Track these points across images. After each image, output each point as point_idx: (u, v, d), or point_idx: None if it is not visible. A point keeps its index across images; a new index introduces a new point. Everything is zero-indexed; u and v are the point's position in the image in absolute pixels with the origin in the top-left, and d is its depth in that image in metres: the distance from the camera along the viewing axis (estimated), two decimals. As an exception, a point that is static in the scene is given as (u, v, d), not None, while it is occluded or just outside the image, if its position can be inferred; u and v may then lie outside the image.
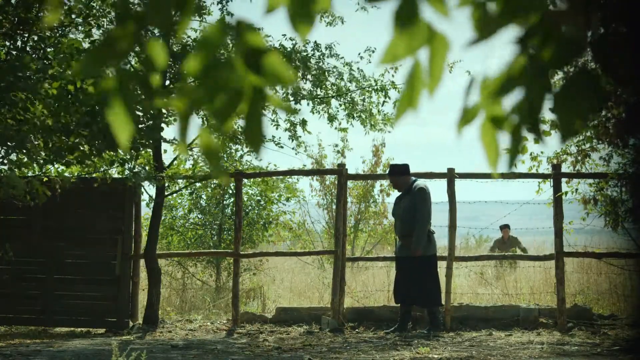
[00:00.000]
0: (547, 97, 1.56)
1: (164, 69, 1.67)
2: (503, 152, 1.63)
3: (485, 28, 1.55)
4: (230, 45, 1.60)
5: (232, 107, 1.61)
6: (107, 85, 1.63)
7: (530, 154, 10.37)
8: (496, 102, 1.58)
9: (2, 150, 7.64)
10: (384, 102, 11.75)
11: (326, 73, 11.42)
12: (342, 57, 11.62)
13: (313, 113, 12.02)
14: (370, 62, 12.11)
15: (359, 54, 11.97)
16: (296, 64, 11.17)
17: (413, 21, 1.55)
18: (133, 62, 7.45)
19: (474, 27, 1.56)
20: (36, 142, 7.40)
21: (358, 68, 11.78)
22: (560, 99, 1.56)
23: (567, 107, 1.55)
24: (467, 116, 1.60)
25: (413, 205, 10.20)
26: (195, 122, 1.69)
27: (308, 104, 11.80)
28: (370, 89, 11.70)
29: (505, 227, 17.10)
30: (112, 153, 8.43)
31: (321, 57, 11.46)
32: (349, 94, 11.63)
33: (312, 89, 11.58)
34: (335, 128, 12.31)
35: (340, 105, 11.72)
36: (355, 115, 11.70)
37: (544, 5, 1.55)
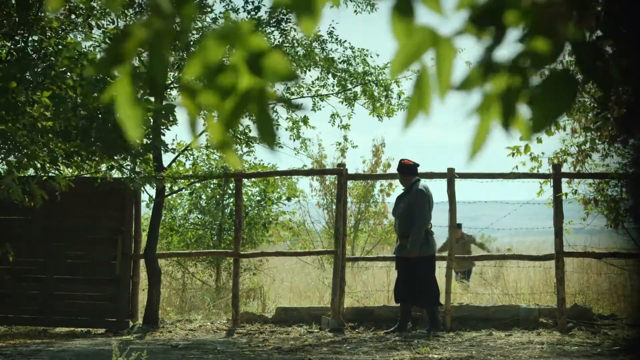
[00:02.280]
0: (524, 93, 1.58)
1: (169, 66, 1.68)
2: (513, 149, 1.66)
3: (474, 22, 1.57)
4: (232, 48, 1.60)
5: (241, 110, 1.63)
6: (118, 87, 1.63)
7: (530, 154, 10.36)
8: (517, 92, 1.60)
9: (1, 151, 7.63)
10: (386, 95, 11.72)
11: (333, 61, 11.36)
12: (345, 41, 11.55)
13: (315, 110, 11.99)
14: (369, 55, 11.96)
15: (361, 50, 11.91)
16: (299, 57, 11.13)
17: (409, 19, 1.56)
18: (137, 62, 7.44)
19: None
20: (33, 146, 7.40)
21: (360, 50, 11.69)
22: (537, 95, 1.58)
23: (542, 103, 1.58)
24: (485, 104, 1.62)
25: (411, 206, 10.27)
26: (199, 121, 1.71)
27: (313, 98, 11.77)
28: (371, 83, 11.67)
29: (457, 227, 15.49)
30: (110, 160, 8.43)
31: (323, 43, 11.41)
32: (364, 77, 11.57)
33: (320, 78, 11.54)
34: (338, 126, 12.30)
35: (355, 84, 11.63)
36: (366, 96, 11.63)
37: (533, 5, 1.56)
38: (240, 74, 1.61)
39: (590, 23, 1.62)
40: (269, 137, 1.67)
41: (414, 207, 10.26)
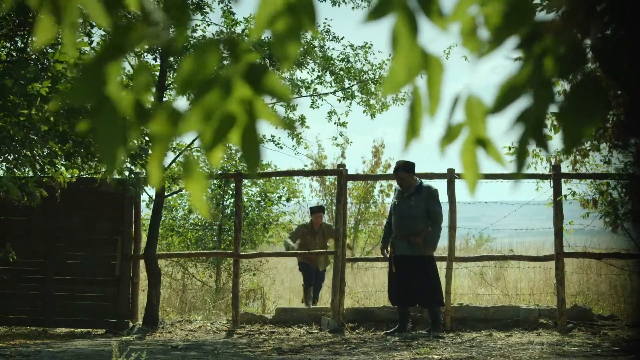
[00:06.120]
0: (551, 106, 1.56)
1: (153, 89, 1.64)
2: (508, 155, 1.64)
3: (478, 51, 1.56)
4: (225, 62, 1.57)
5: (224, 133, 1.57)
6: (96, 118, 1.58)
7: (533, 151, 10.33)
8: (481, 121, 1.59)
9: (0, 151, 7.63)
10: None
11: (331, 59, 11.39)
12: (342, 38, 11.60)
13: (313, 108, 12.01)
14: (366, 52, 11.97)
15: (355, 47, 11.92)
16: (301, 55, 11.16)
17: (412, 42, 1.55)
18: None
19: (463, 43, 1.57)
20: (34, 148, 7.39)
21: (360, 47, 11.72)
22: (565, 108, 1.54)
23: (572, 116, 1.54)
24: (450, 135, 1.62)
25: (426, 205, 10.17)
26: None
27: (311, 97, 11.79)
28: (367, 80, 11.68)
29: (317, 212, 12.89)
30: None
31: (322, 40, 11.43)
32: (361, 75, 11.59)
33: (318, 77, 11.56)
34: (335, 123, 12.31)
35: (354, 80, 11.64)
36: (362, 93, 11.64)
37: (533, 22, 1.54)
38: (234, 88, 1.57)
39: (600, 28, 1.60)
40: (252, 162, 1.56)
41: (433, 206, 10.17)
